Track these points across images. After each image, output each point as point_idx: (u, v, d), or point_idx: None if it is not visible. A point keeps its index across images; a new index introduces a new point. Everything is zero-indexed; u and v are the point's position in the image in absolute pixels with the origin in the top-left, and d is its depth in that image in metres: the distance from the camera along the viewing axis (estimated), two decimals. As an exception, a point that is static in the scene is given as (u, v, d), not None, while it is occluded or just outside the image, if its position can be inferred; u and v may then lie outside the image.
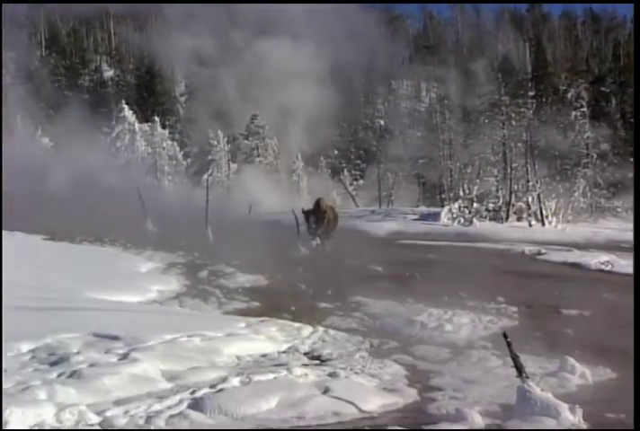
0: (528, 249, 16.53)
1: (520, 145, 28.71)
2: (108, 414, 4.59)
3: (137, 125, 46.44)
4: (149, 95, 59.88)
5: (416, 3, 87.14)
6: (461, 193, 27.50)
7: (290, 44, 57.01)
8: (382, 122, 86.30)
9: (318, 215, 15.15)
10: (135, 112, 48.12)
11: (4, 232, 13.37)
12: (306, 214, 15.38)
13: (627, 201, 30.06)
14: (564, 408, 4.61)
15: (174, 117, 58.51)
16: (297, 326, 7.37)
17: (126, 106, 47.29)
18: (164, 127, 48.95)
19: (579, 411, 4.61)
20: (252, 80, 63.27)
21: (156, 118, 48.10)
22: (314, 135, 68.40)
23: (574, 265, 13.87)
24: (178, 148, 48.72)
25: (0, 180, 23.07)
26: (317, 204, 15.77)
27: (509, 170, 28.50)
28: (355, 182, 54.29)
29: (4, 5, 49.77)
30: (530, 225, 25.31)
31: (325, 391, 5.16)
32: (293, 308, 8.60)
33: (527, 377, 4.86)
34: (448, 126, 43.09)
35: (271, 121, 55.29)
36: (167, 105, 59.17)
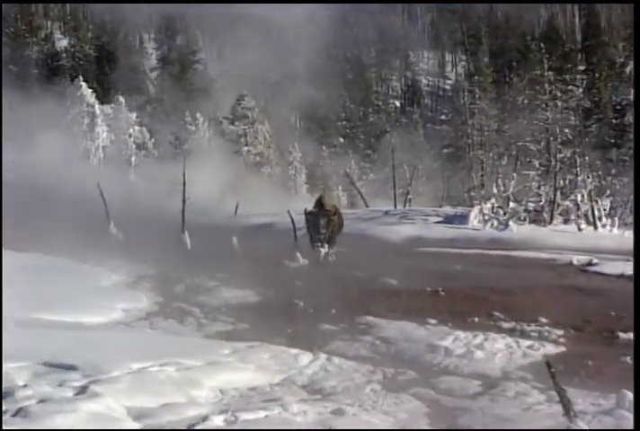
0: (576, 258, 16.50)
1: (567, 131, 28.69)
2: (62, 461, 4.58)
3: (97, 106, 46.49)
4: (112, 70, 60.00)
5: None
6: (495, 190, 27.49)
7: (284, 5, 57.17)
8: (397, 103, 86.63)
9: (328, 217, 15.15)
10: (95, 91, 48.17)
11: None
12: (311, 216, 15.32)
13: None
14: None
15: (143, 97, 58.64)
16: (294, 353, 7.37)
17: (84, 83, 47.33)
18: (130, 109, 48.94)
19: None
20: (239, 51, 63.41)
21: (121, 99, 48.14)
22: (314, 120, 68.62)
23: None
24: (148, 135, 48.75)
25: (0, 182, 23.36)
26: (320, 203, 15.75)
27: (553, 161, 28.46)
28: (364, 177, 54.38)
29: None
30: (580, 229, 25.29)
31: (328, 432, 5.16)
32: (289, 331, 8.60)
33: (575, 416, 4.86)
34: (479, 108, 43.01)
35: (261, 102, 55.32)
36: (134, 82, 59.21)
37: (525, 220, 26.39)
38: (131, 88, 56.10)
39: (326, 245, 15.27)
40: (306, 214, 15.53)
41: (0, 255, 10.42)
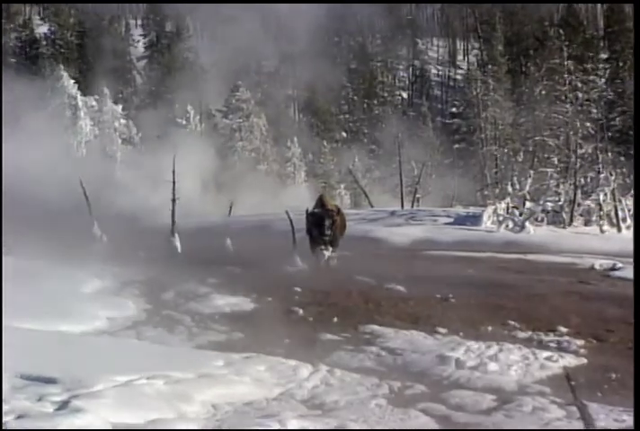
0: (599, 262, 16.51)
1: (588, 124, 28.74)
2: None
3: (79, 98, 46.53)
4: (96, 59, 60.05)
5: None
6: (510, 189, 27.49)
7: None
8: (404, 95, 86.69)
9: (332, 218, 15.14)
10: (77, 81, 48.23)
11: None
12: (314, 216, 15.29)
13: None
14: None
15: (130, 88, 58.85)
16: (293, 364, 7.37)
17: (65, 73, 47.39)
18: (115, 101, 49.01)
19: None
20: (233, 39, 63.45)
21: (106, 90, 48.19)
22: (314, 112, 68.64)
23: (661, 284, 13.84)
24: (135, 129, 48.78)
25: (0, 182, 23.49)
26: (321, 202, 15.73)
27: (573, 158, 28.48)
28: (369, 174, 54.40)
29: None
30: (602, 231, 25.28)
31: (330, 450, 5.16)
32: (287, 341, 8.60)
33: (598, 433, 4.85)
34: (493, 99, 43.12)
35: (257, 94, 55.37)
36: (120, 72, 59.36)
37: (543, 221, 26.37)
38: (117, 78, 56.22)
39: (330, 248, 15.26)
40: (309, 214, 15.50)
41: (0, 257, 10.30)
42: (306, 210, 15.74)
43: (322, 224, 15.06)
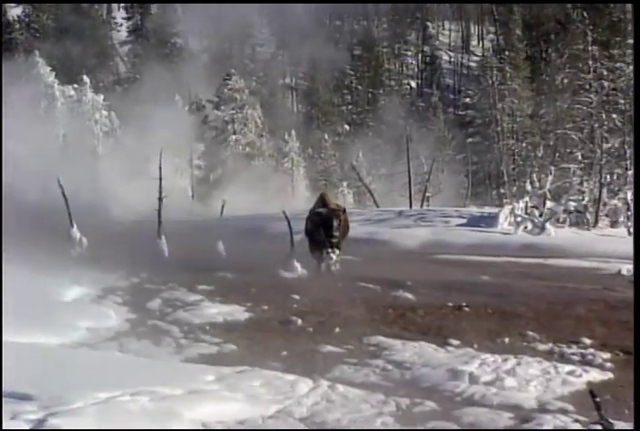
0: (626, 268, 16.50)
1: (615, 116, 28.73)
2: None
3: (57, 87, 46.59)
4: (75, 44, 60.06)
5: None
6: (529, 187, 27.51)
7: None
8: (413, 83, 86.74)
9: (339, 218, 15.13)
10: (54, 69, 48.26)
11: None
12: (319, 216, 15.25)
13: None
14: None
15: (112, 76, 58.84)
16: (291, 379, 7.37)
17: (41, 60, 47.43)
18: (96, 90, 49.03)
19: None
20: (226, 23, 63.49)
21: (86, 78, 48.22)
22: (315, 103, 68.67)
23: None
24: (117, 121, 48.81)
25: (0, 182, 23.60)
26: (323, 202, 15.72)
27: (598, 153, 28.51)
28: (374, 171, 54.44)
29: None
30: (630, 233, 25.30)
31: (332, 473, 5.16)
32: (285, 353, 8.60)
33: (625, 454, 4.85)
34: (510, 89, 43.12)
35: (252, 83, 55.40)
36: (101, 59, 59.41)
37: (565, 222, 26.42)
38: (98, 66, 56.30)
39: (337, 251, 15.27)
40: (312, 214, 15.45)
41: (0, 259, 10.24)
42: (311, 209, 15.69)
43: (329, 225, 15.03)
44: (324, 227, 15.11)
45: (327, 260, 15.22)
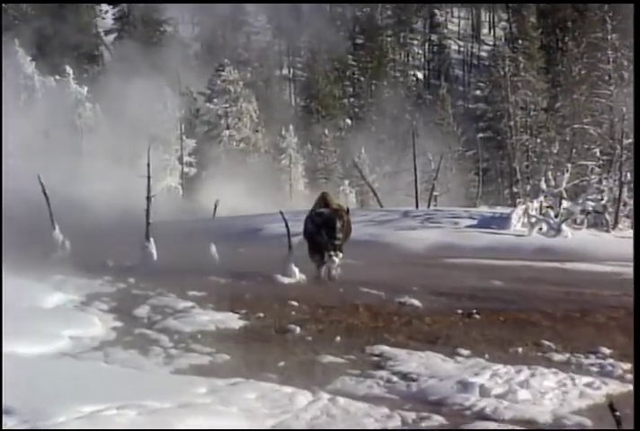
0: (648, 272, 16.51)
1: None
2: None
3: (37, 78, 46.57)
4: (57, 33, 60.11)
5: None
6: (544, 185, 27.54)
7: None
8: (419, 75, 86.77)
9: (343, 219, 15.13)
10: (34, 59, 48.27)
11: None
12: (321, 217, 15.23)
13: None
14: None
15: (97, 66, 58.84)
16: (289, 392, 7.37)
17: (20, 49, 47.42)
18: (80, 82, 49.03)
19: None
20: (219, 8, 63.49)
21: (68, 69, 48.22)
22: (314, 96, 68.68)
23: None
24: (102, 115, 48.79)
25: (0, 183, 23.76)
26: (325, 202, 15.70)
27: (619, 149, 28.53)
28: (378, 169, 54.49)
29: None
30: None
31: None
32: (282, 364, 8.60)
33: (647, 472, 4.85)
34: (524, 80, 43.11)
35: (246, 74, 55.40)
36: (86, 48, 59.41)
37: (582, 223, 26.44)
38: (81, 55, 56.27)
39: (340, 254, 15.26)
40: (315, 214, 15.39)
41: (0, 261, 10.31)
42: (313, 210, 15.64)
43: (332, 227, 15.00)
44: (326, 228, 15.08)
45: (330, 264, 15.22)
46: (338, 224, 15.02)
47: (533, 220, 25.56)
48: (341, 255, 15.32)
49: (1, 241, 14.24)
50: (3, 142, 38.98)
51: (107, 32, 67.42)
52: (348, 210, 15.73)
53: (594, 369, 8.56)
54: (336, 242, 15.11)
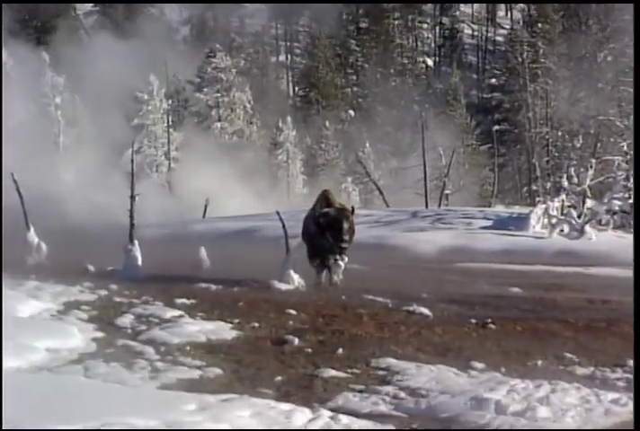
0: (680, 277, 16.52)
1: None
2: None
3: (10, 65, 46.52)
4: (30, 15, 60.17)
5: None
6: (565, 183, 27.54)
7: None
8: (429, 61, 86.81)
9: (350, 220, 15.12)
10: (5, 43, 48.20)
11: None
12: (326, 218, 15.21)
13: None
14: None
15: (76, 52, 58.70)
16: (286, 409, 7.37)
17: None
18: (57, 69, 49.00)
19: None
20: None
21: (45, 55, 48.25)
22: (314, 85, 68.69)
23: None
24: (82, 107, 48.81)
25: (0, 184, 23.91)
26: (327, 200, 15.68)
27: (648, 142, 28.50)
28: (383, 165, 54.49)
29: None
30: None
31: None
32: (279, 378, 8.61)
33: None
34: (544, 68, 43.13)
35: (240, 61, 55.41)
36: (63, 32, 59.38)
37: (608, 224, 26.42)
38: (58, 40, 56.20)
39: (346, 258, 15.27)
40: (319, 214, 15.36)
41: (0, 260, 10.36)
42: (316, 210, 15.61)
43: (339, 228, 14.98)
44: (332, 230, 15.04)
45: (335, 269, 15.22)
46: (345, 226, 15.01)
47: (554, 221, 25.56)
48: (346, 259, 15.32)
49: (0, 241, 14.17)
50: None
51: (86, 15, 67.56)
52: (353, 210, 15.67)
53: (621, 384, 8.56)
54: (343, 245, 15.09)
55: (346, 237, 15.03)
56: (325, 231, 15.15)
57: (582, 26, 69.08)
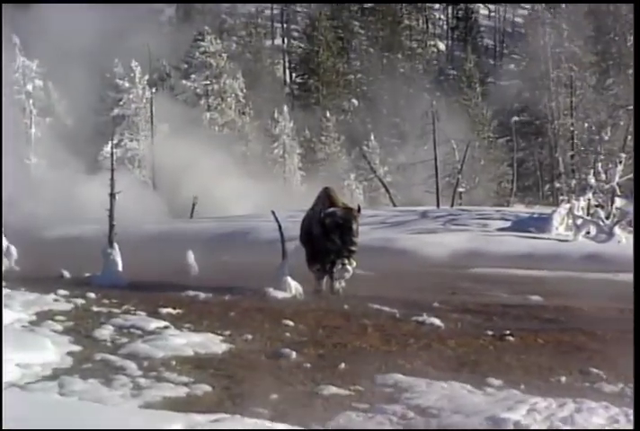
0: None
1: None
2: None
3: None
4: (2, -5, 60.08)
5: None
6: (592, 180, 27.55)
7: None
8: (441, 46, 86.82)
9: (357, 220, 15.11)
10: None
11: None
12: (334, 218, 15.19)
13: None
14: None
15: (49, 33, 58.67)
16: (282, 429, 7.38)
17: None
18: (28, 54, 49.02)
19: None
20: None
21: (16, 39, 48.26)
22: (313, 71, 68.72)
23: None
24: (56, 95, 48.84)
25: (0, 185, 24.11)
26: (329, 199, 15.66)
27: (682, 135, 28.50)
28: (390, 159, 54.52)
29: None
30: None
31: None
32: (275, 396, 8.62)
33: None
34: (569, 53, 43.13)
35: (231, 45, 55.49)
36: (35, 12, 59.27)
37: (639, 226, 26.41)
38: (31, 21, 56.09)
39: (354, 262, 15.26)
40: (326, 215, 15.30)
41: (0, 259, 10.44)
42: (321, 210, 15.57)
43: (348, 229, 14.97)
44: (340, 232, 15.00)
45: (340, 275, 15.22)
46: (354, 227, 15.00)
47: (579, 222, 25.57)
48: (355, 264, 15.30)
49: (0, 241, 14.27)
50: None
51: (62, -6, 67.55)
52: (359, 209, 15.62)
53: (653, 403, 8.58)
54: (353, 249, 15.07)
55: (356, 239, 15.00)
56: (332, 233, 15.10)
57: (610, 6, 69.15)
